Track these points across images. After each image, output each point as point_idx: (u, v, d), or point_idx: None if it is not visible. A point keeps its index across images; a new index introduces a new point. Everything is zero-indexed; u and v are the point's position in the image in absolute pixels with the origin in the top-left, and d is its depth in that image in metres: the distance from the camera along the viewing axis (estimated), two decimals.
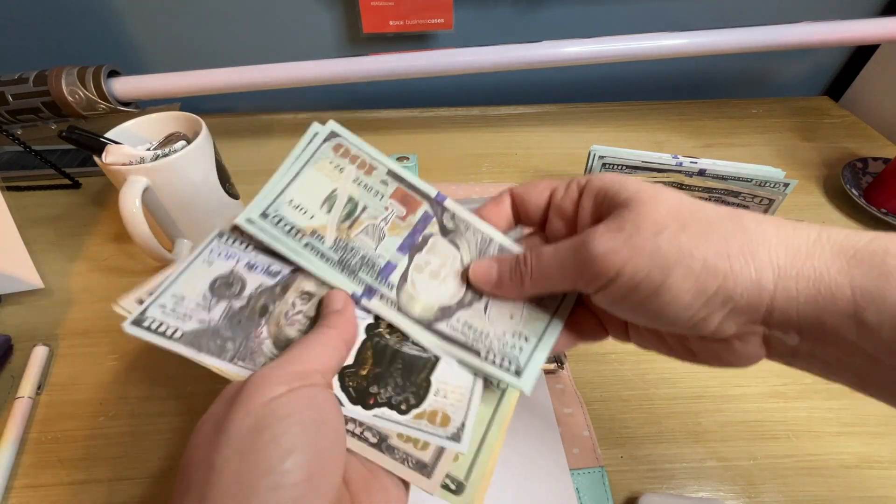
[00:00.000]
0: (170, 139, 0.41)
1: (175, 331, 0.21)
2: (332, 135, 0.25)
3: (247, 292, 0.23)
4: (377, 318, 0.23)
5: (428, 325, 0.23)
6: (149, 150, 0.40)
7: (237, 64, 0.50)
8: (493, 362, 0.23)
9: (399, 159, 0.48)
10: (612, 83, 0.71)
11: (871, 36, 0.51)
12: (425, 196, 0.26)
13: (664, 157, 0.44)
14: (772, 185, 0.42)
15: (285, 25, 0.62)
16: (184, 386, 0.36)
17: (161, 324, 0.21)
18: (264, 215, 0.23)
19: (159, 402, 0.35)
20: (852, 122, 0.65)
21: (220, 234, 0.24)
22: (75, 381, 0.37)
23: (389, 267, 0.24)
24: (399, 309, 0.23)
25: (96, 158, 0.38)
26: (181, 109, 0.44)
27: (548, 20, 0.63)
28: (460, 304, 0.24)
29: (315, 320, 0.22)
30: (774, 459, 0.32)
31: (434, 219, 0.25)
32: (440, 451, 0.21)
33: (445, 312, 0.23)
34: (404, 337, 0.23)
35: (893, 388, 0.17)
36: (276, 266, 0.24)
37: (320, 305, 0.23)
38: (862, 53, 0.68)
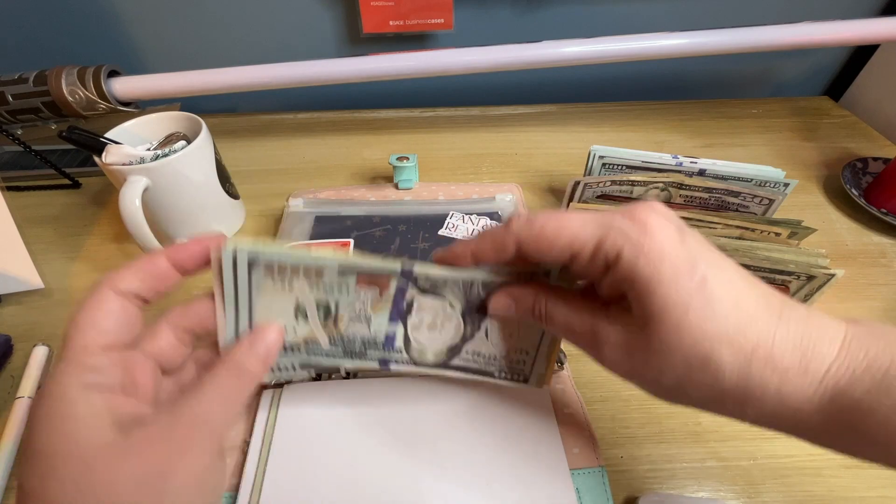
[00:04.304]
0: (170, 139, 0.41)
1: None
2: (254, 262, 0.21)
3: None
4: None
5: (444, 365, 0.26)
6: (149, 150, 0.40)
7: (237, 64, 0.50)
8: (505, 378, 0.27)
9: (399, 159, 0.48)
10: (612, 83, 0.71)
11: (871, 36, 0.51)
12: (391, 273, 0.24)
13: (664, 157, 0.44)
14: (772, 185, 0.42)
15: (285, 25, 0.62)
16: None
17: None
18: None
19: None
20: (852, 122, 0.65)
21: None
22: None
23: (390, 338, 0.25)
24: (416, 364, 0.26)
25: (96, 158, 0.38)
26: (181, 109, 0.44)
27: (548, 20, 0.63)
28: (464, 339, 0.26)
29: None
30: (774, 459, 0.32)
31: (409, 286, 0.24)
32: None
33: (454, 350, 0.26)
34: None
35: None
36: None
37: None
38: (862, 53, 0.68)
